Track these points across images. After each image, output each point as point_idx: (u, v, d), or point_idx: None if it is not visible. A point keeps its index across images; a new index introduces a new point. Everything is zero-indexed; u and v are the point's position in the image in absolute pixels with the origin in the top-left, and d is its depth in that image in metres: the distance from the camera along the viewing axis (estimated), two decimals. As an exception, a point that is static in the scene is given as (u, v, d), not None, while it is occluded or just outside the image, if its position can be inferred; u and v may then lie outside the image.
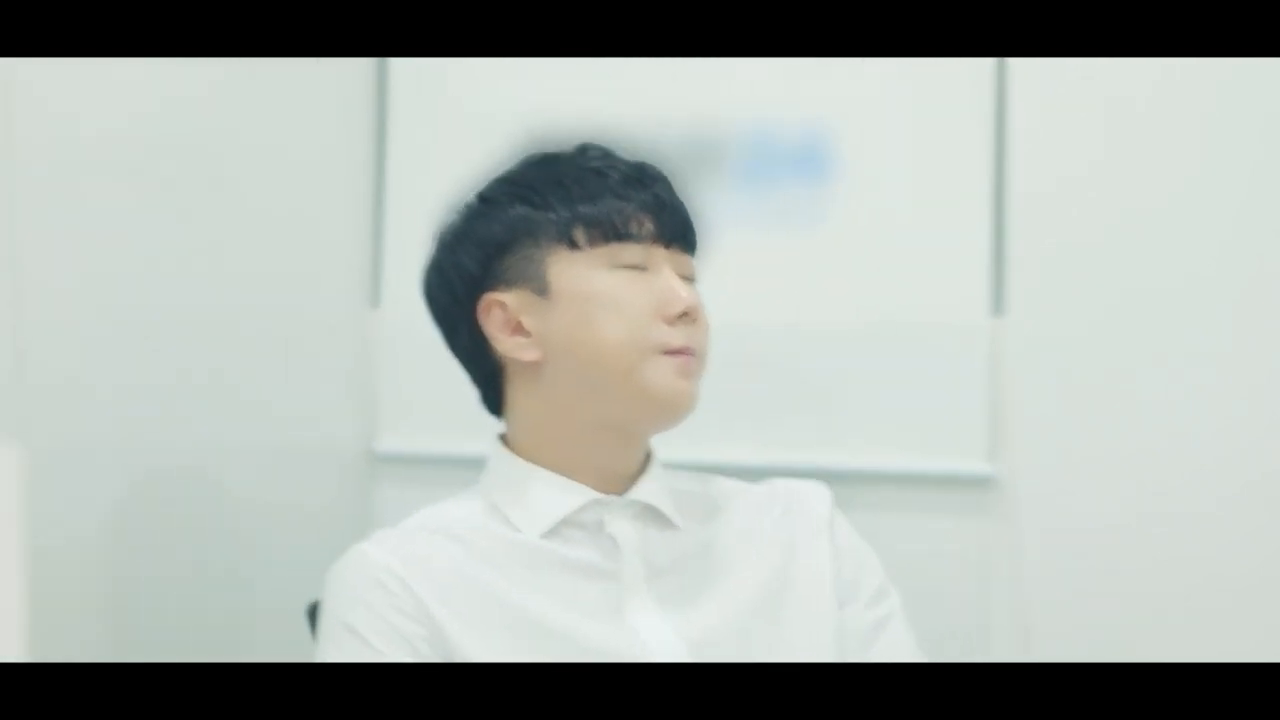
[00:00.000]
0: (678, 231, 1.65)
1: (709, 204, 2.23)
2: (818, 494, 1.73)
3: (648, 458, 1.68)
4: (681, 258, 1.65)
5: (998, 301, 2.18)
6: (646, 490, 1.65)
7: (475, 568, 1.57)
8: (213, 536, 2.12)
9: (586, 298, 1.60)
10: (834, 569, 1.68)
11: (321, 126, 2.35)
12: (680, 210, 1.67)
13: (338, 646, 1.54)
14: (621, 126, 2.26)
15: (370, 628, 1.53)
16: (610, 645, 1.56)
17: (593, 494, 1.62)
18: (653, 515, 1.65)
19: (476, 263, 1.64)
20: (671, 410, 1.62)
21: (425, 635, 1.53)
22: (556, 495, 1.62)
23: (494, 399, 1.68)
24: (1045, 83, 2.15)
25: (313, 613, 1.73)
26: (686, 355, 1.61)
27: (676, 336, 1.60)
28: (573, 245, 1.61)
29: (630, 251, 1.61)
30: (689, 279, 1.65)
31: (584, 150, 1.67)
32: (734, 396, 2.25)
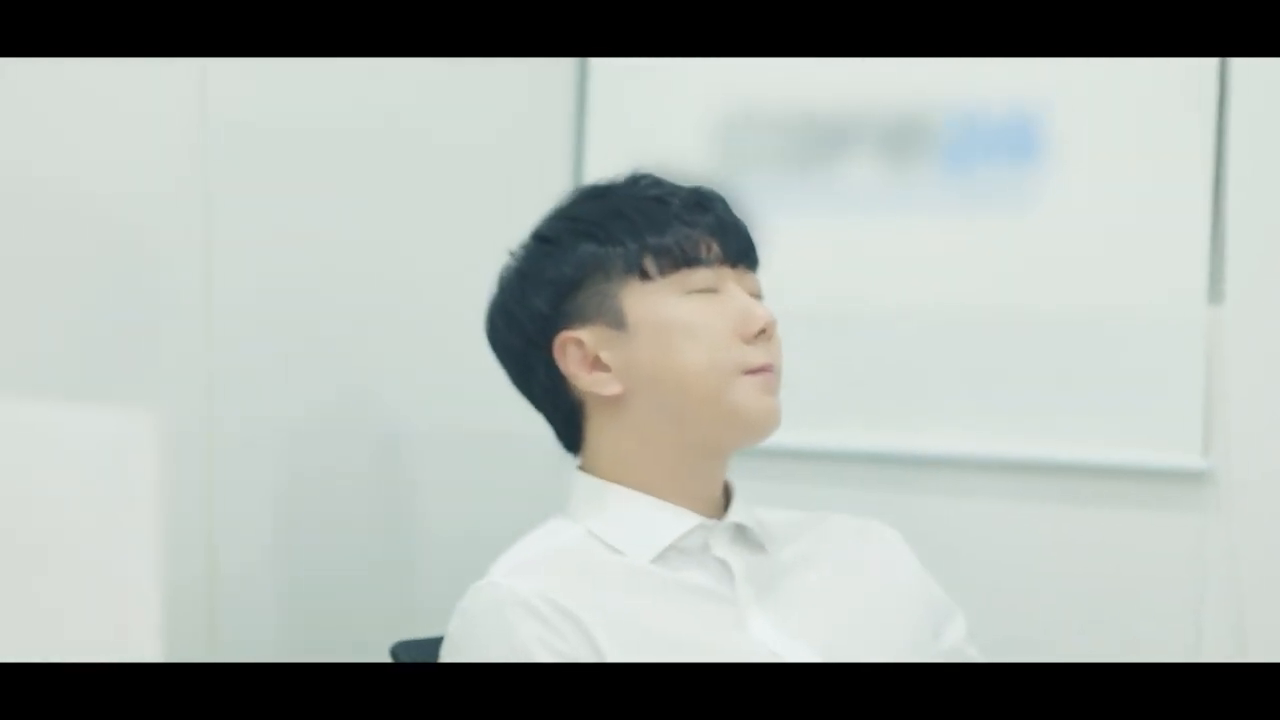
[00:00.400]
0: (743, 251, 1.67)
1: (915, 187, 2.22)
2: (884, 526, 1.76)
3: (725, 482, 1.71)
4: (747, 276, 1.68)
5: (1215, 289, 2.11)
6: (740, 513, 1.68)
7: (605, 594, 1.57)
8: (390, 525, 2.18)
9: (665, 326, 1.62)
10: (922, 590, 1.73)
11: (521, 126, 2.36)
12: (742, 229, 1.68)
13: None
14: (823, 113, 2.26)
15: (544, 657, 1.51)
16: (745, 655, 1.58)
17: (698, 518, 1.64)
18: (746, 537, 1.68)
19: (547, 303, 1.66)
20: (759, 428, 1.65)
21: (588, 659, 1.53)
22: (664, 520, 1.63)
23: (572, 436, 1.70)
24: (1271, 68, 2.06)
25: (395, 653, 1.73)
26: (767, 372, 1.63)
27: (757, 355, 1.63)
28: (644, 276, 1.63)
29: (701, 276, 1.64)
30: (756, 296, 1.67)
31: (636, 180, 1.69)
32: (941, 382, 2.24)
